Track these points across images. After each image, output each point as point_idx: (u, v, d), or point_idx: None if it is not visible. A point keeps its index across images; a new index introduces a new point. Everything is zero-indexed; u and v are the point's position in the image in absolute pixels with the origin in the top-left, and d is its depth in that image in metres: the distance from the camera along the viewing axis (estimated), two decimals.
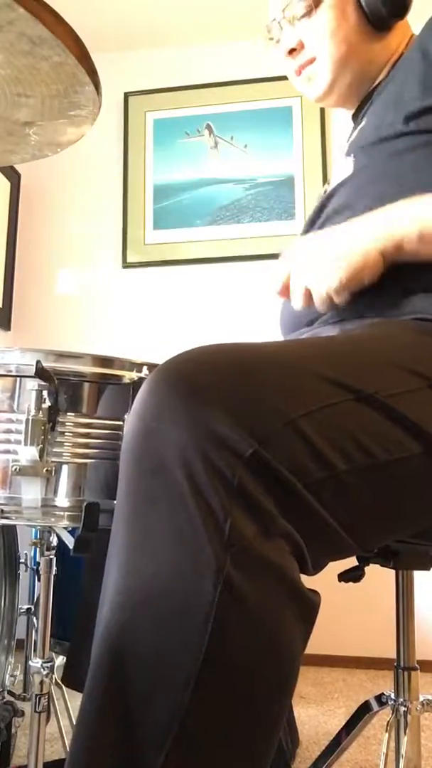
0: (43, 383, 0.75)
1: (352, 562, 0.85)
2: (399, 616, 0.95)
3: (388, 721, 0.92)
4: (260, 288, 2.32)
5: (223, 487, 0.51)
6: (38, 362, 0.73)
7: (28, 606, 1.30)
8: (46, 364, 0.74)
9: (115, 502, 0.56)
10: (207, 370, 0.56)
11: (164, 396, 0.54)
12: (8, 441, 0.75)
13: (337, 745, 0.99)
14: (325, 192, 0.99)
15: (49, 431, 0.75)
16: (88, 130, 0.74)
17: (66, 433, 0.76)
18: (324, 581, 0.66)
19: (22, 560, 1.30)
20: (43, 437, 0.74)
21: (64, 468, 0.76)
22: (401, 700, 0.92)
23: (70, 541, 0.80)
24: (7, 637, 1.28)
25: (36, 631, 0.97)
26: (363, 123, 0.93)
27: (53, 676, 0.95)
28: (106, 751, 0.51)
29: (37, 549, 0.96)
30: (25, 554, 1.30)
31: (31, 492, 0.74)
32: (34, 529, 0.99)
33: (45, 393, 0.75)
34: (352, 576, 0.89)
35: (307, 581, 0.55)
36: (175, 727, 0.49)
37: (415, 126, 0.81)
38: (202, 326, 2.40)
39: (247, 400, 0.55)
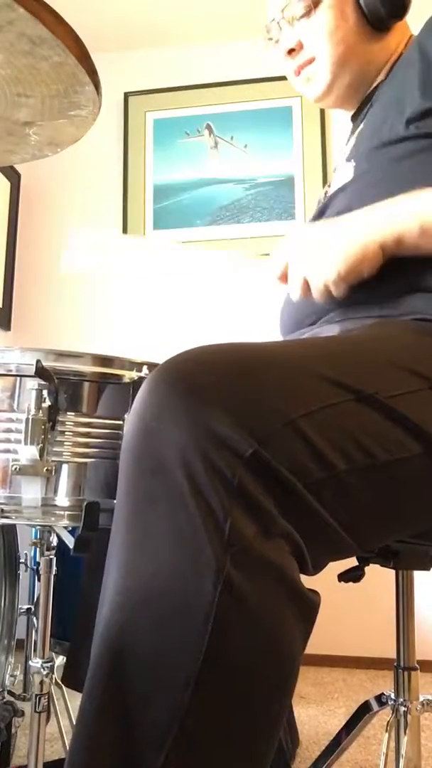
0: (43, 383, 0.75)
1: (352, 562, 0.85)
2: (399, 616, 0.95)
3: (388, 721, 0.92)
4: (260, 288, 2.31)
5: (223, 487, 0.51)
6: (38, 362, 0.73)
7: (28, 606, 1.30)
8: (46, 364, 0.74)
9: (115, 501, 0.56)
10: (207, 370, 0.56)
11: (164, 396, 0.54)
12: (8, 440, 0.75)
13: (337, 745, 0.99)
14: (325, 195, 0.99)
15: (49, 431, 0.75)
16: (88, 130, 0.74)
17: (66, 433, 0.76)
18: (324, 581, 0.66)
19: (22, 560, 1.30)
20: (43, 437, 0.74)
21: (64, 467, 0.76)
22: (401, 700, 0.92)
23: (70, 541, 0.80)
24: (7, 637, 1.28)
25: (36, 631, 0.97)
26: (362, 126, 0.93)
27: (53, 676, 0.95)
28: (106, 751, 0.51)
29: (37, 549, 0.96)
30: (25, 554, 1.30)
31: (31, 491, 0.74)
32: (34, 529, 0.99)
33: (45, 392, 0.75)
34: (352, 576, 0.89)
35: (307, 581, 0.55)
36: (175, 727, 0.49)
37: (416, 129, 0.81)
38: (202, 326, 2.40)
39: (248, 400, 0.55)
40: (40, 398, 0.74)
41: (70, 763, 0.52)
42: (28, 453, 0.73)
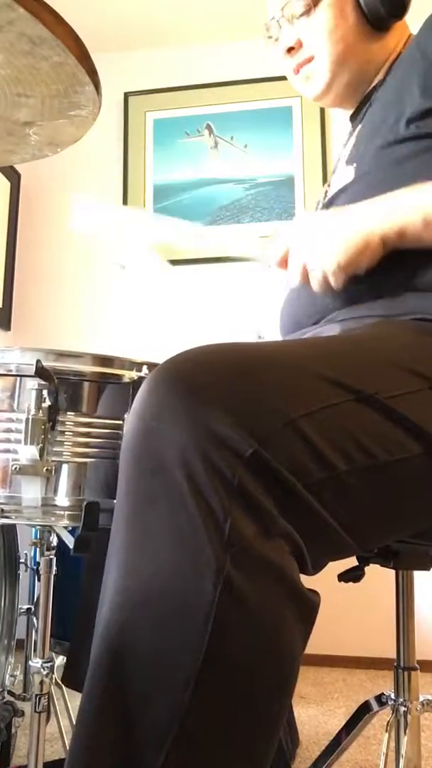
0: (43, 382, 0.75)
1: (352, 562, 0.85)
2: (399, 616, 0.95)
3: (388, 721, 0.92)
4: (260, 288, 2.31)
5: (223, 487, 0.51)
6: (38, 361, 0.73)
7: (28, 606, 1.30)
8: (46, 364, 0.74)
9: (115, 501, 0.56)
10: (207, 370, 0.56)
11: (164, 395, 0.54)
12: (8, 440, 0.75)
13: (337, 745, 0.99)
14: (324, 195, 0.99)
15: (49, 430, 0.75)
16: (88, 130, 0.74)
17: (66, 433, 0.76)
18: (324, 581, 0.66)
19: (22, 560, 1.30)
20: (43, 436, 0.74)
21: (64, 467, 0.76)
22: (401, 700, 0.92)
23: (70, 541, 0.80)
24: (7, 637, 1.28)
25: (36, 631, 0.97)
26: (362, 126, 0.93)
27: (53, 676, 0.95)
28: (106, 751, 0.51)
29: (37, 549, 0.96)
30: (25, 554, 1.30)
31: (31, 491, 0.74)
32: (34, 529, 0.99)
33: (45, 392, 0.75)
34: (352, 576, 0.89)
35: (307, 581, 0.55)
36: (175, 727, 0.49)
37: (417, 129, 0.81)
38: (202, 326, 2.40)
39: (247, 400, 0.55)
40: (40, 398, 0.74)
41: (70, 763, 0.52)
42: (28, 453, 0.73)
